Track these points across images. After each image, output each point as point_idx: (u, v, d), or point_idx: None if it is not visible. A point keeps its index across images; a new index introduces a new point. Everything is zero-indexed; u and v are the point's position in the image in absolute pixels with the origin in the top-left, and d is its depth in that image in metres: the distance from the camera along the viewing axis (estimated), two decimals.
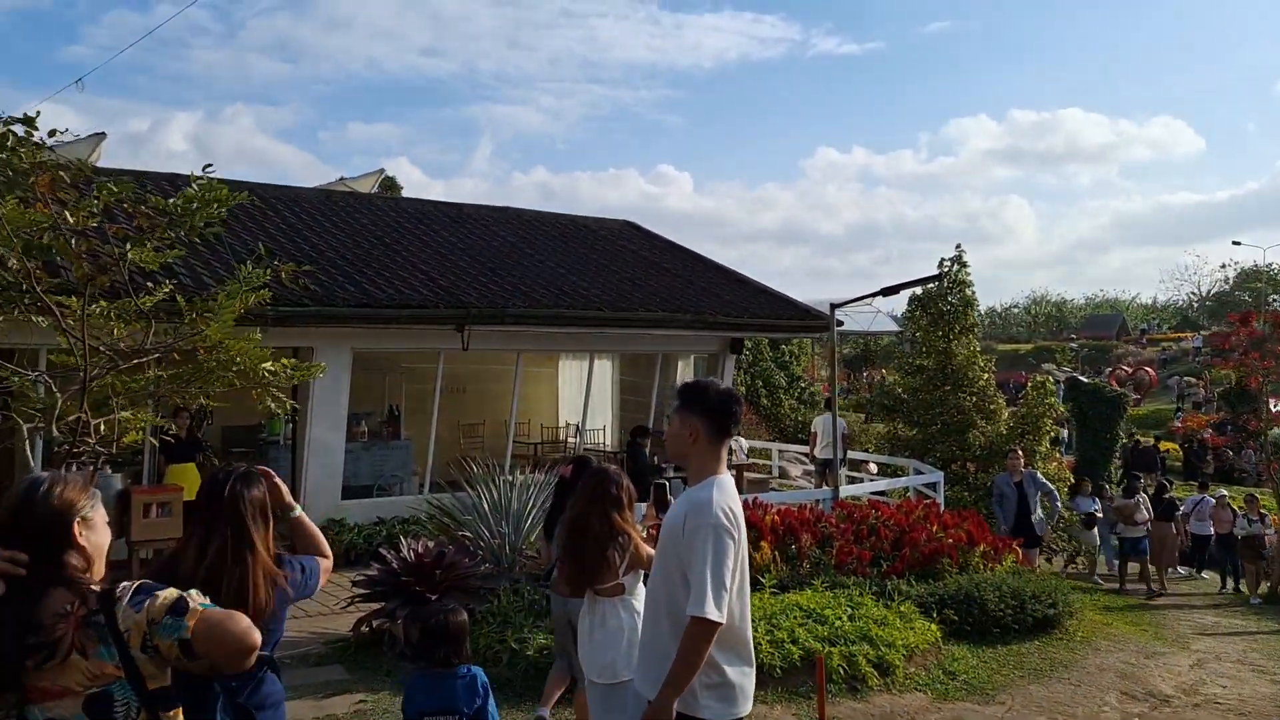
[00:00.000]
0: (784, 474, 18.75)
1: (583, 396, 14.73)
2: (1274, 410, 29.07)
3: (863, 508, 10.67)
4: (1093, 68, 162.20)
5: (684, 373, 15.34)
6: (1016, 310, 77.26)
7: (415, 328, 11.41)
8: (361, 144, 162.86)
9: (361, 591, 7.54)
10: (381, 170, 24.43)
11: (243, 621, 2.09)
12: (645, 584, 3.95)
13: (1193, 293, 71.32)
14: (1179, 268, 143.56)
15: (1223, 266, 67.87)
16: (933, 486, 14.14)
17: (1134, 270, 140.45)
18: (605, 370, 16.12)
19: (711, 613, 2.90)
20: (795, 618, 7.31)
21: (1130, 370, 44.06)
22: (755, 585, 8.35)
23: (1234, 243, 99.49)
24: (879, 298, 11.63)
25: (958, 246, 15.94)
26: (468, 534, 8.56)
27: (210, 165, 6.16)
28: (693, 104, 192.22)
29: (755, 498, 10.18)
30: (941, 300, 16.02)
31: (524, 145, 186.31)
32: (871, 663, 6.93)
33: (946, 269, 15.74)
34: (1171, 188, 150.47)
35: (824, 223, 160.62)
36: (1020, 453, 12.09)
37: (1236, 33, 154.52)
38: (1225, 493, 15.31)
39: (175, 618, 2.04)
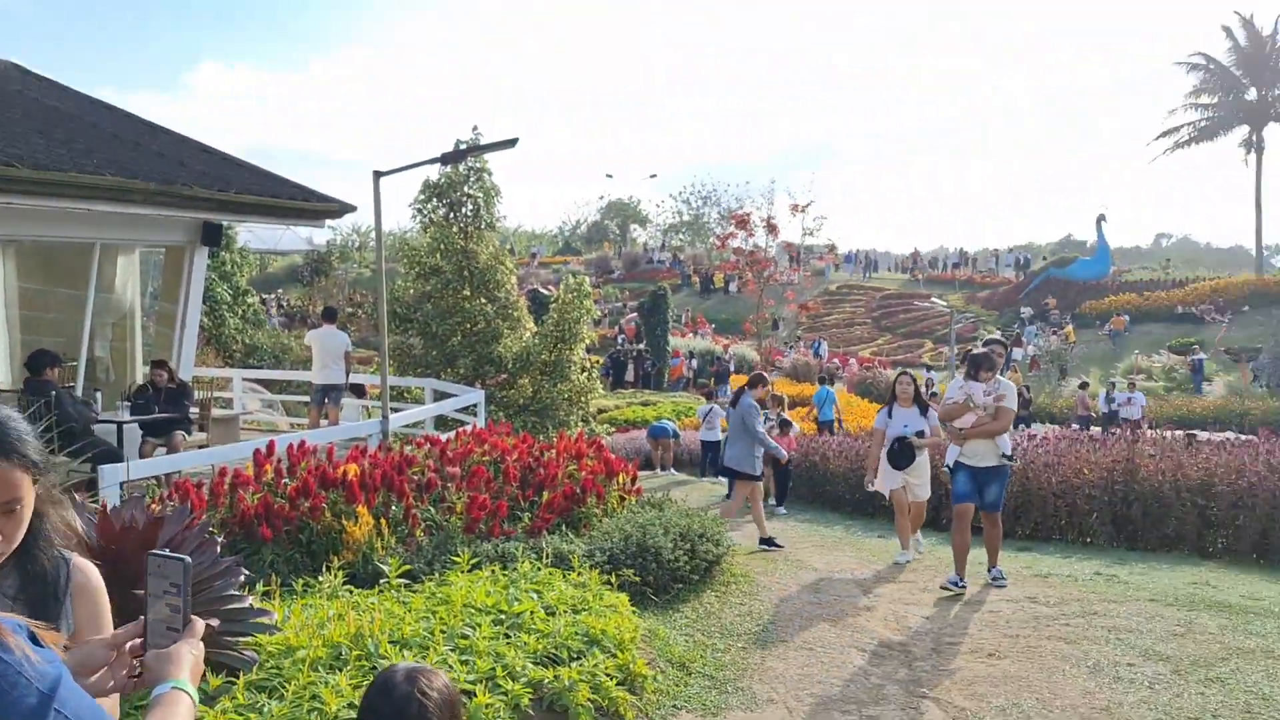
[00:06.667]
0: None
1: None
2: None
3: (447, 443, 8.01)
4: None
5: (125, 274, 10.84)
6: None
7: None
8: None
9: None
10: None
11: None
12: None
13: (564, 222, 79.80)
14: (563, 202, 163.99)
15: (600, 198, 76.65)
16: (471, 410, 11.92)
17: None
18: None
19: None
20: (484, 627, 4.57)
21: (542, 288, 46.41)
22: (376, 578, 5.45)
23: (607, 175, 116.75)
24: (440, 164, 8.93)
25: (474, 129, 13.43)
26: None
27: None
28: None
29: (272, 442, 6.95)
30: (461, 187, 13.41)
31: None
32: (618, 681, 4.55)
33: (470, 142, 12.99)
34: None
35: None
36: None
37: None
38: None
39: None
